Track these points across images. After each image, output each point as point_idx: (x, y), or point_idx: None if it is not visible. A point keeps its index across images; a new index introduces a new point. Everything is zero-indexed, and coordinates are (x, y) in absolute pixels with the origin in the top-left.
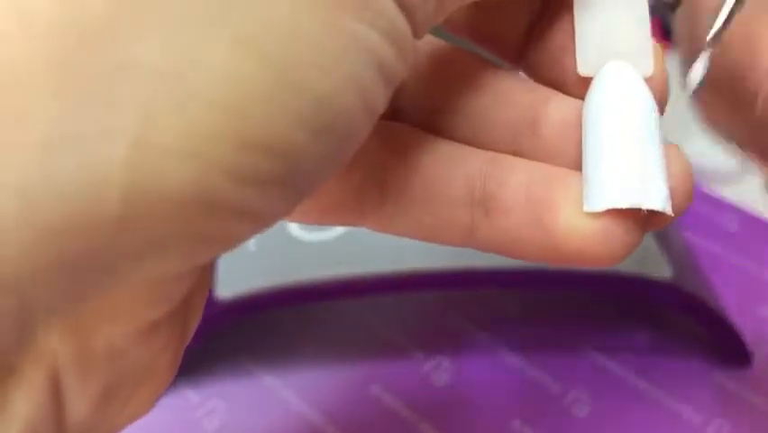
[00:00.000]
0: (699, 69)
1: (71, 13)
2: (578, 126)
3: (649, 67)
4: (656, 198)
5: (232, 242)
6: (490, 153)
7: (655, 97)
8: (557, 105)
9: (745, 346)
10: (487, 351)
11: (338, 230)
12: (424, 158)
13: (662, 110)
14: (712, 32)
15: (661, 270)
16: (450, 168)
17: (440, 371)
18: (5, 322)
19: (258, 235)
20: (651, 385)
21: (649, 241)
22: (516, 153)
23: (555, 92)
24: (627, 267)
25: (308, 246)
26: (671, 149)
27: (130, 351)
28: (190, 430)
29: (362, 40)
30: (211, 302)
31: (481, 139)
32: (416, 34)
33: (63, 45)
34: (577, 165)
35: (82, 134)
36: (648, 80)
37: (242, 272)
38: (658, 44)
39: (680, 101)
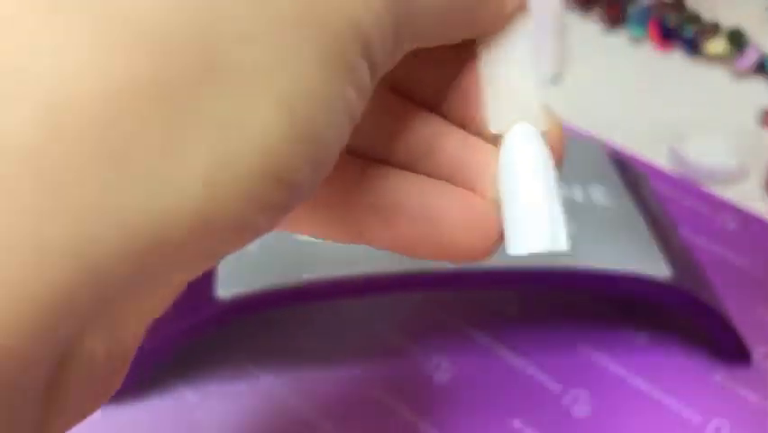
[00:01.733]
0: None
1: (161, 73)
2: (470, 156)
3: (544, 124)
4: (562, 242)
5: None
6: (387, 168)
7: (552, 148)
8: (454, 138)
9: (744, 346)
10: (486, 351)
11: None
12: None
13: (559, 159)
14: None
15: (660, 269)
16: (350, 180)
17: (440, 371)
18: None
19: None
20: (650, 384)
21: (649, 241)
22: (420, 174)
23: (452, 126)
24: (627, 267)
25: (308, 246)
26: None
27: (134, 347)
28: (190, 430)
29: (350, 99)
30: (211, 302)
31: (386, 160)
32: (373, 84)
33: (146, 105)
34: (472, 187)
35: (167, 177)
36: (544, 134)
37: (241, 272)
38: (550, 111)
39: (679, 103)
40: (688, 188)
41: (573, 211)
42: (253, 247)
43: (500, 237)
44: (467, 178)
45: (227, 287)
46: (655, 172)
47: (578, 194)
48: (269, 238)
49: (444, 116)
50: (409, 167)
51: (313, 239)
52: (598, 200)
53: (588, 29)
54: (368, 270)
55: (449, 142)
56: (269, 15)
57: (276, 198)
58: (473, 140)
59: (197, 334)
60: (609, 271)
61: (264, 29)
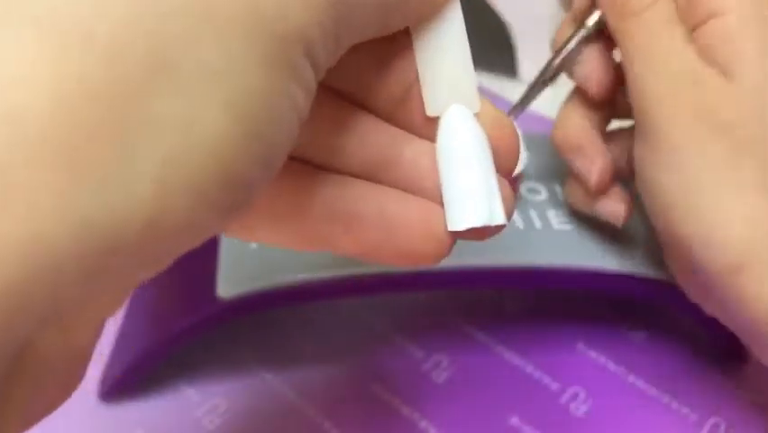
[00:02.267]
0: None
1: (110, 75)
2: (427, 165)
3: (477, 105)
4: (499, 216)
5: (181, 254)
6: (346, 178)
7: (485, 129)
8: (412, 148)
9: (741, 344)
10: (485, 349)
11: None
12: (289, 180)
13: (500, 137)
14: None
15: (657, 268)
16: (310, 189)
17: (439, 369)
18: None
19: None
20: (648, 383)
21: (647, 240)
22: (378, 183)
23: (410, 136)
24: (625, 266)
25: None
26: (499, 178)
27: (90, 347)
28: (191, 428)
29: (293, 96)
30: (212, 301)
31: (346, 171)
32: (317, 83)
33: (103, 103)
34: (428, 195)
35: (119, 179)
36: (477, 116)
37: (242, 272)
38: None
39: None
40: None
41: (572, 211)
42: (254, 247)
43: (453, 242)
44: (424, 185)
45: (228, 287)
46: None
47: None
48: None
49: (396, 115)
50: (368, 176)
51: None
52: None
53: None
54: (367, 270)
55: (405, 150)
56: (215, 19)
57: (226, 198)
58: (429, 146)
59: (199, 333)
60: (608, 271)
61: (210, 32)
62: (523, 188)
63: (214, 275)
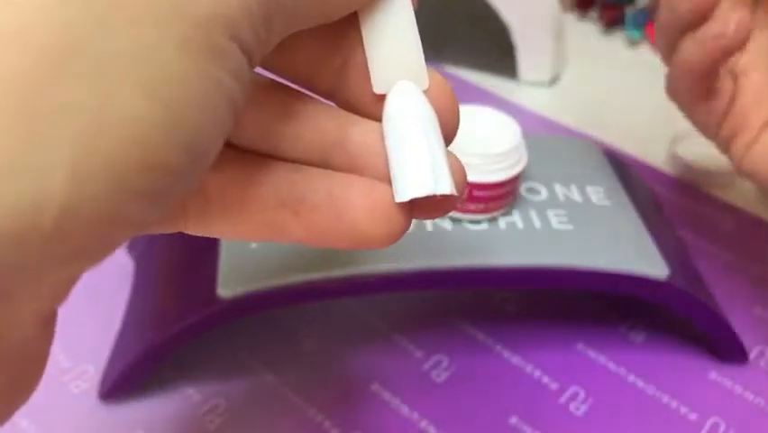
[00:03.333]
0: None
1: (18, 64)
2: (375, 144)
3: (425, 82)
4: (445, 185)
5: (118, 245)
6: (294, 165)
7: (433, 105)
8: (359, 129)
9: (741, 345)
10: (485, 349)
11: None
12: (238, 170)
13: (449, 111)
14: None
15: (658, 269)
16: (258, 178)
17: (439, 369)
18: None
19: None
20: (647, 383)
21: (646, 240)
22: (327, 168)
23: (356, 117)
24: (625, 266)
25: (308, 246)
26: (449, 151)
27: (34, 342)
28: (191, 428)
29: (221, 82)
30: (212, 301)
31: (295, 158)
32: (251, 68)
33: (10, 93)
34: (377, 175)
35: (28, 166)
36: (426, 92)
37: (242, 272)
38: (431, 69)
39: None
40: (685, 188)
41: (571, 211)
42: (254, 246)
43: (405, 221)
44: (372, 164)
45: (228, 286)
46: (653, 173)
47: (576, 194)
48: None
49: (344, 95)
50: (317, 161)
51: None
52: (596, 200)
53: (585, 30)
54: (367, 270)
55: (352, 132)
56: (124, 6)
57: (149, 184)
58: (376, 126)
59: (199, 333)
60: (607, 271)
61: (120, 18)
62: (523, 188)
63: (214, 275)
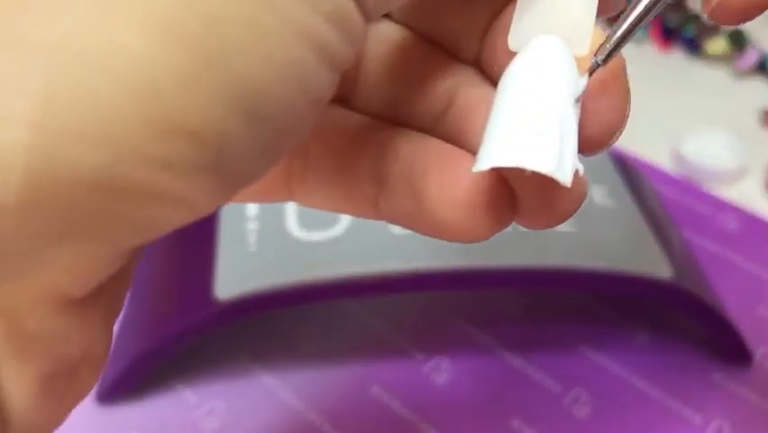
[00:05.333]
0: None
1: None
2: (479, 107)
3: (584, 45)
4: (545, 161)
5: (161, 227)
6: (394, 130)
7: (591, 89)
8: (469, 91)
9: (745, 346)
10: (486, 351)
11: (338, 230)
12: (336, 136)
13: (609, 109)
14: None
15: (661, 269)
16: (356, 145)
17: (440, 371)
18: None
19: (258, 236)
20: (651, 385)
21: (649, 240)
22: (435, 135)
23: (473, 76)
24: (628, 266)
25: (308, 246)
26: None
27: (61, 334)
28: (189, 430)
29: (302, 21)
30: (210, 303)
31: (403, 121)
32: (367, 19)
33: None
34: (471, 148)
35: None
36: (579, 59)
37: (241, 273)
38: (602, 31)
39: (680, 103)
40: (688, 187)
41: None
42: (252, 248)
43: (492, 212)
44: (469, 131)
45: (226, 287)
46: (656, 172)
47: None
48: (268, 238)
49: (489, 63)
50: (429, 125)
51: (312, 239)
52: (600, 200)
53: None
54: (368, 270)
55: (461, 94)
56: None
57: (183, 156)
58: (488, 88)
59: (197, 335)
60: (610, 271)
61: None
62: None
63: (211, 277)
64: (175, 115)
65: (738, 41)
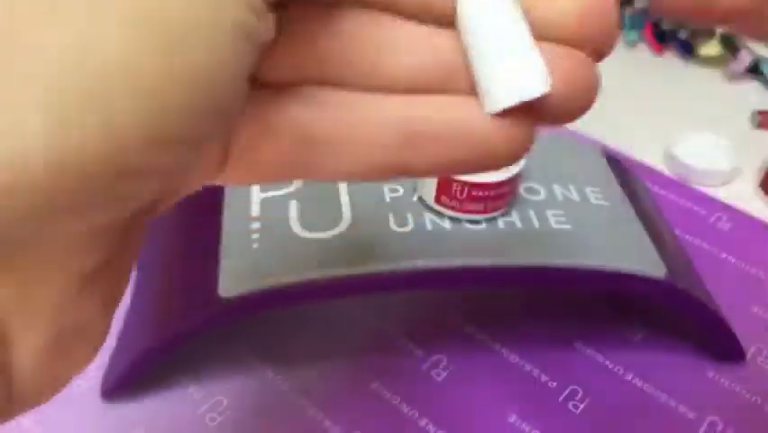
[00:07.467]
0: None
1: None
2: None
3: None
4: (536, 86)
5: (148, 197)
6: (406, 97)
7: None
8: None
9: (739, 344)
10: (485, 348)
11: (338, 229)
12: (343, 109)
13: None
14: None
15: (655, 268)
16: (374, 119)
17: (439, 368)
18: None
19: (260, 234)
20: (645, 382)
21: (644, 239)
22: (423, 91)
23: (437, 30)
24: (623, 265)
25: (309, 245)
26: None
27: (67, 304)
28: (194, 426)
29: (235, 15)
30: (214, 300)
31: (388, 87)
32: None
33: None
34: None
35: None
36: None
37: (244, 271)
38: None
39: (673, 105)
40: (682, 188)
41: (570, 211)
42: (255, 247)
43: (527, 127)
44: (455, 79)
45: (230, 286)
46: (650, 173)
47: (574, 194)
48: (271, 237)
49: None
50: (411, 90)
51: (314, 238)
52: (594, 200)
53: None
54: (369, 268)
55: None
56: None
57: (167, 132)
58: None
59: (200, 332)
60: (605, 270)
61: None
62: (522, 188)
63: (215, 275)
64: (154, 101)
65: (731, 45)
